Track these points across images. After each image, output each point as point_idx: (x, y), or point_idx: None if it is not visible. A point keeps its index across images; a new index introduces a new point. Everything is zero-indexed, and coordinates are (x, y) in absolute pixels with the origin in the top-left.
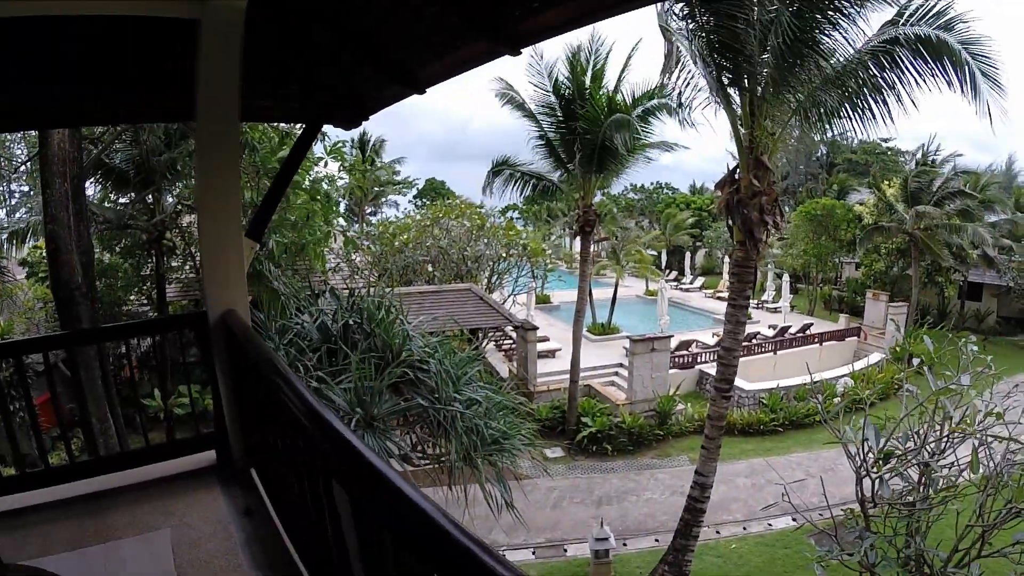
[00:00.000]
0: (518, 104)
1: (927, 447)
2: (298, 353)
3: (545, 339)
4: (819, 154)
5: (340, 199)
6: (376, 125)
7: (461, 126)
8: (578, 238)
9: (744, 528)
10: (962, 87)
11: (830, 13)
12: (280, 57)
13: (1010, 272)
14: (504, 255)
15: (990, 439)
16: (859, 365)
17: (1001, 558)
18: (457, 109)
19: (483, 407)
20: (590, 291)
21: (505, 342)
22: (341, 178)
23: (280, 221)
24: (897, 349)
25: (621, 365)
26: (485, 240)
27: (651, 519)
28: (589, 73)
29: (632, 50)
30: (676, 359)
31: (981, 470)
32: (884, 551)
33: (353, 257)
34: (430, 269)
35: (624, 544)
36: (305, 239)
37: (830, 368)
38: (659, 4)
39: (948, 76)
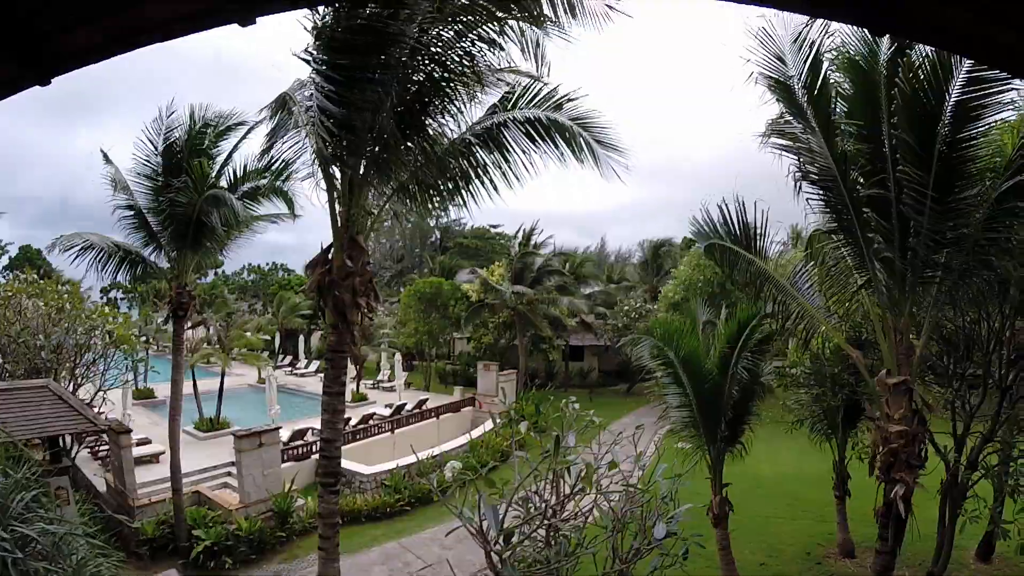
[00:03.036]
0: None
1: (550, 507)
2: None
3: (146, 441)
4: (433, 238)
5: None
6: None
7: (74, 184)
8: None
9: None
10: (578, 157)
11: (443, 102)
12: None
13: (606, 334)
14: (88, 343)
15: (609, 491)
16: (476, 433)
17: None
18: (73, 164)
19: (48, 541)
20: (195, 382)
21: (103, 448)
22: None
23: None
24: (511, 413)
25: (233, 464)
26: (66, 325)
27: None
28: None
29: (254, 125)
30: (290, 451)
31: (606, 513)
32: None
33: None
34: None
35: None
36: None
37: (450, 439)
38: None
39: (560, 150)
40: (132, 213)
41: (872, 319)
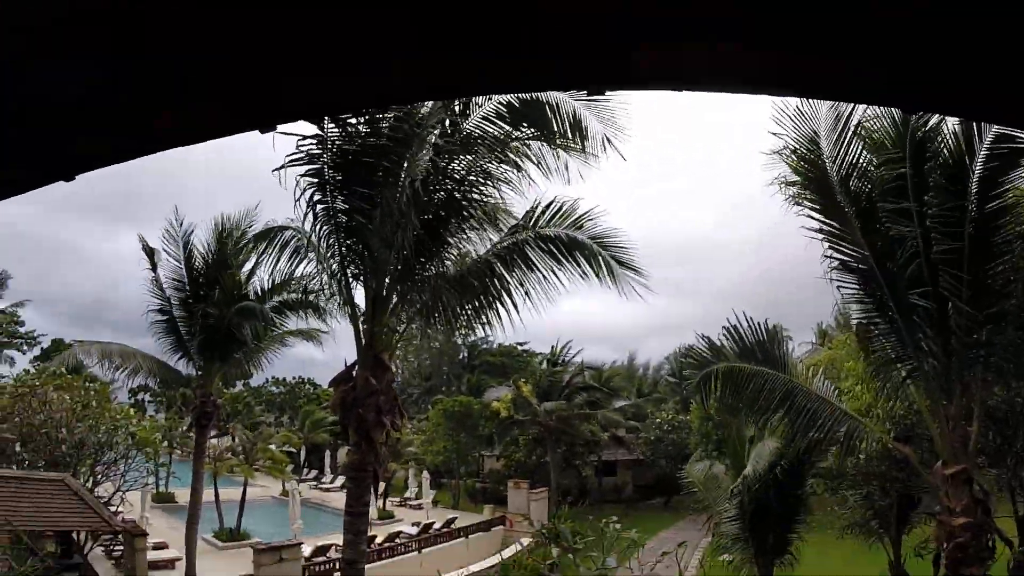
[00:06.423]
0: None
1: None
2: None
3: (162, 546)
4: (461, 356)
5: None
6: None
7: (112, 285)
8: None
9: None
10: (598, 276)
11: (461, 222)
12: None
13: (638, 447)
14: (111, 442)
15: None
16: (507, 553)
17: None
18: (112, 264)
19: None
20: (216, 491)
21: (117, 548)
22: None
23: None
24: (544, 531)
25: None
26: (91, 422)
27: None
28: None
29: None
30: (312, 567)
31: None
32: None
33: None
34: (18, 449)
35: None
36: None
37: (480, 560)
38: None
39: (582, 268)
40: (165, 319)
41: (920, 410)
